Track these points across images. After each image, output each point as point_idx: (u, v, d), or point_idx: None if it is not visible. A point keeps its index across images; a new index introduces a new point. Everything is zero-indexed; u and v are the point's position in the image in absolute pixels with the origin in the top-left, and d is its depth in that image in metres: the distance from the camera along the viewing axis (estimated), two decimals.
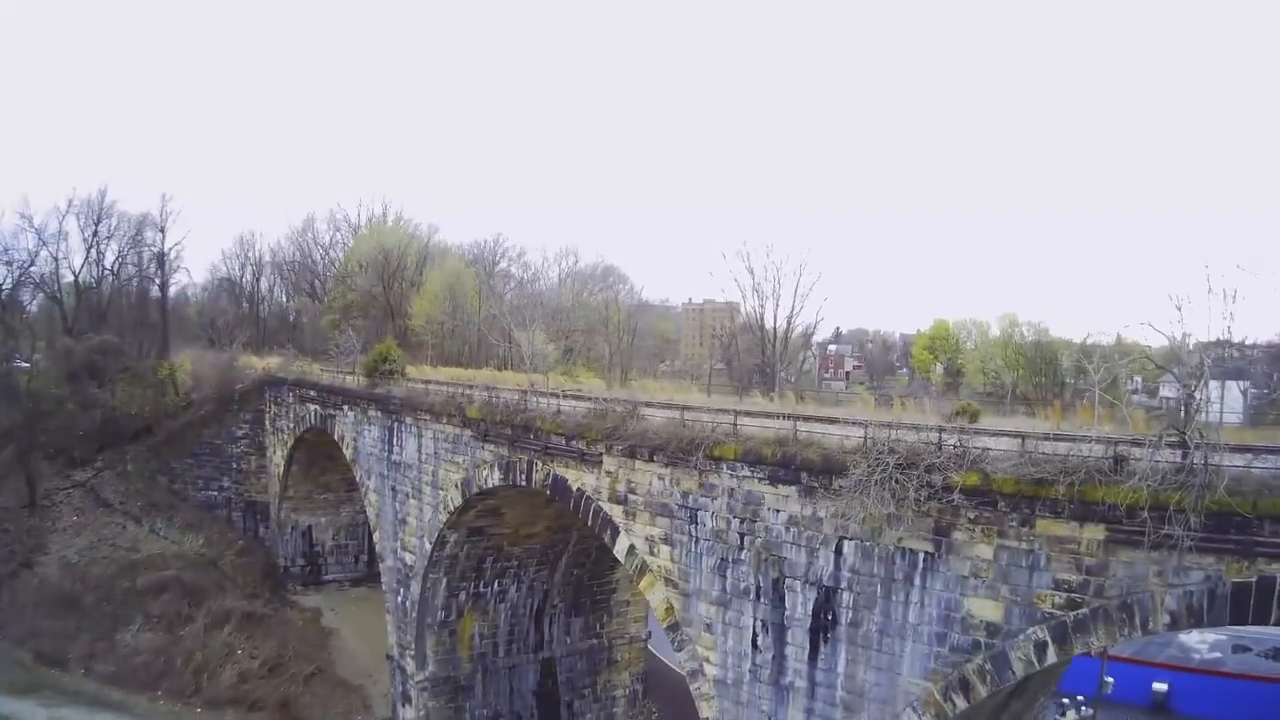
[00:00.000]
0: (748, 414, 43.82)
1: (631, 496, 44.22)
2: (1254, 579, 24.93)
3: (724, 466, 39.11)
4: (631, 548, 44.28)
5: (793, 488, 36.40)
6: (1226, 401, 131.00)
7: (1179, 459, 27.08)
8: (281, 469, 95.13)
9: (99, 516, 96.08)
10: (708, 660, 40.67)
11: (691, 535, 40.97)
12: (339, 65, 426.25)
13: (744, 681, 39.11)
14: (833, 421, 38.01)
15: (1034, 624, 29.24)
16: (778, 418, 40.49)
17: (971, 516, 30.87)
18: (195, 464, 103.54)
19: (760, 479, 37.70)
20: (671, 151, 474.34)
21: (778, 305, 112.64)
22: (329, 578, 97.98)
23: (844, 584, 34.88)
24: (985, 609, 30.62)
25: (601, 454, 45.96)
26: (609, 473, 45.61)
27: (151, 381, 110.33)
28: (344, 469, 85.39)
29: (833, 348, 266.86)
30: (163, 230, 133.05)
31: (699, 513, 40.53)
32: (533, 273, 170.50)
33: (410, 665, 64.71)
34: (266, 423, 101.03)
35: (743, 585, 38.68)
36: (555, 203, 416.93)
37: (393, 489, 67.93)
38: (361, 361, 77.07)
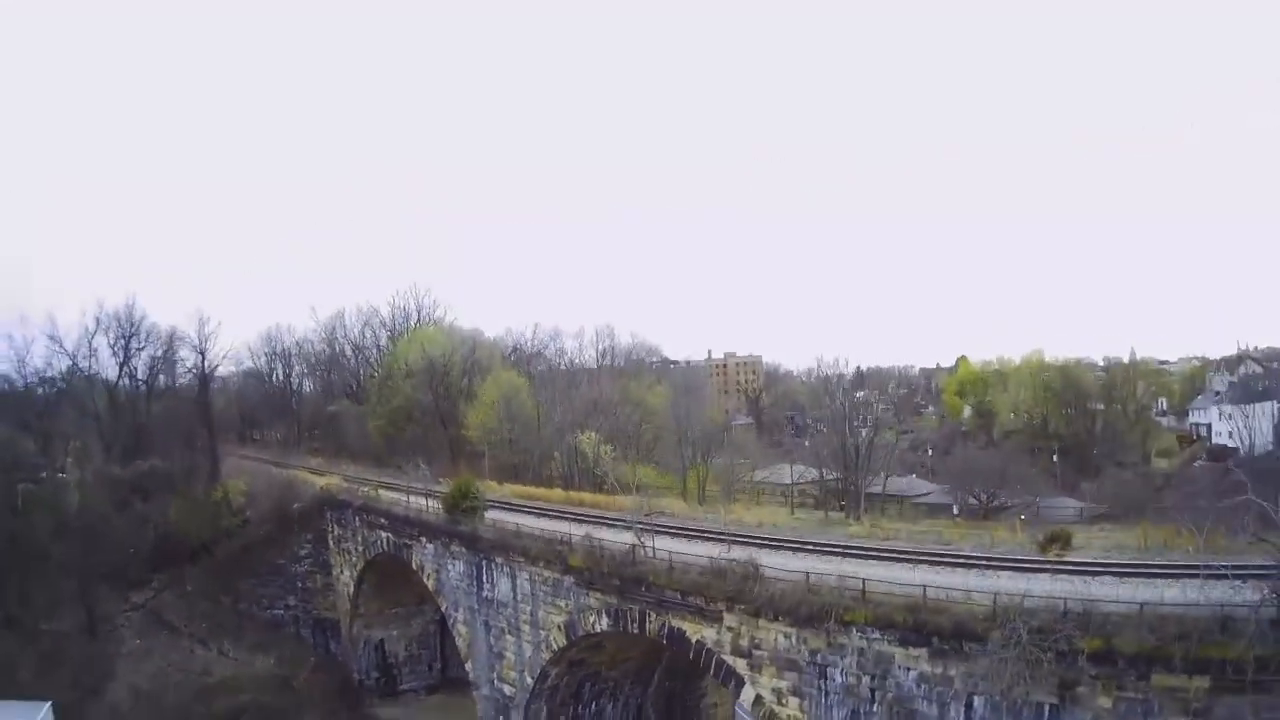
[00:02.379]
0: (872, 554, 47.35)
1: (756, 651, 46.63)
2: None
3: (854, 629, 41.80)
4: (758, 698, 46.65)
5: (923, 649, 39.27)
6: (1258, 431, 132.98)
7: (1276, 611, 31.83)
8: (352, 589, 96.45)
9: (164, 640, 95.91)
10: None
11: (821, 689, 43.57)
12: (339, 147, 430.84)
13: None
14: (965, 593, 40.48)
15: None
16: (901, 562, 42.75)
17: (1093, 674, 34.24)
18: (259, 583, 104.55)
19: (891, 641, 40.45)
20: (665, 199, 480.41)
21: (862, 427, 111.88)
22: (405, 687, 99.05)
23: None
24: None
25: (722, 611, 48.37)
26: (730, 629, 48.01)
27: (206, 504, 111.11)
28: (416, 585, 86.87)
29: (860, 394, 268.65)
30: (202, 353, 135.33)
31: (828, 669, 43.12)
32: (568, 358, 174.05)
33: None
34: (330, 542, 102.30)
35: None
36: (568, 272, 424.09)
37: (485, 623, 70.10)
38: (441, 495, 78.34)
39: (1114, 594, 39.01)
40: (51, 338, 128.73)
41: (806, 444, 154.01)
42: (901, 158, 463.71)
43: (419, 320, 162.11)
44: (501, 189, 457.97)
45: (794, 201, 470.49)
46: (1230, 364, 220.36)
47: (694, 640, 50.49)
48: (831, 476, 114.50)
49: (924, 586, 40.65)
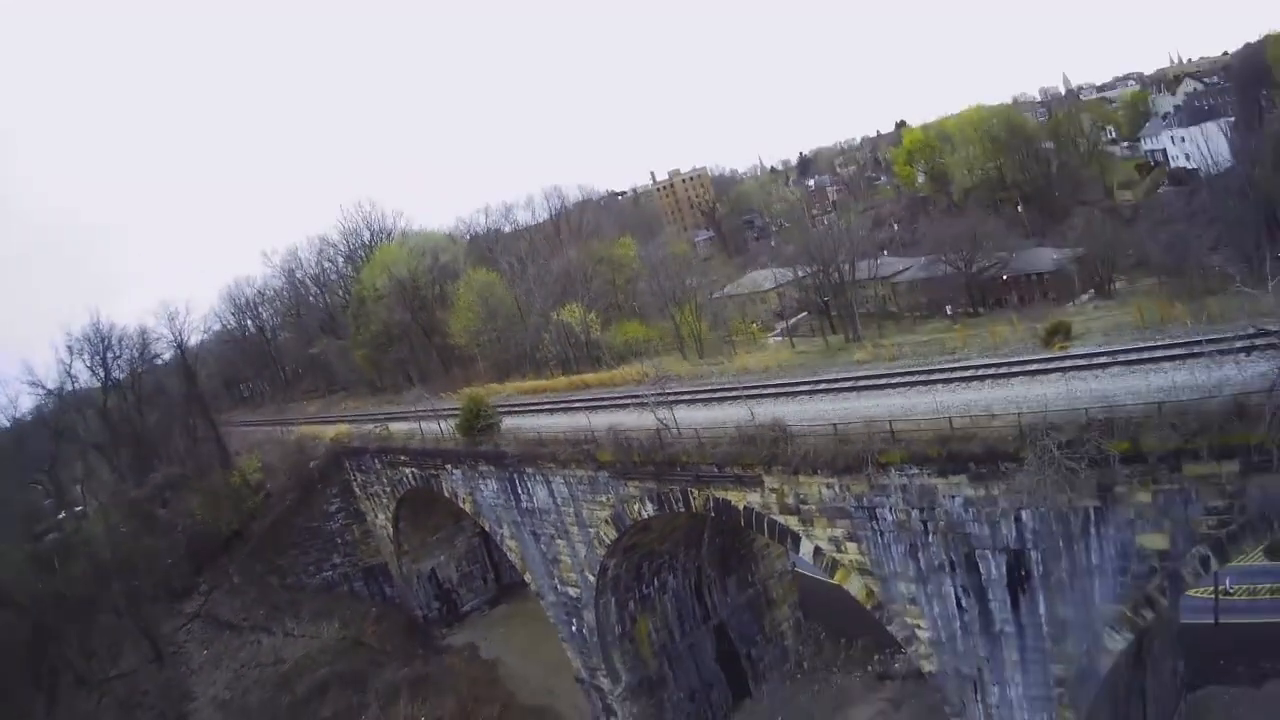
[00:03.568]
0: (886, 383, 49.18)
1: (804, 506, 48.28)
2: None
3: (892, 469, 43.44)
4: (818, 549, 48.53)
5: (963, 475, 40.94)
6: (1211, 149, 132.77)
7: None
8: (391, 530, 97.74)
9: (228, 641, 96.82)
10: (919, 627, 45.80)
11: (875, 530, 45.52)
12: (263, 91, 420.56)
13: (956, 637, 44.53)
14: (988, 412, 42.06)
15: (1196, 544, 35.03)
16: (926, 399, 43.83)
17: (1127, 473, 36.01)
18: (300, 552, 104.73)
19: (930, 474, 42.11)
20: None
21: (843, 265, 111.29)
22: (467, 608, 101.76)
23: (1029, 545, 39.94)
24: (1154, 540, 36.18)
25: (761, 475, 49.78)
26: (773, 490, 49.50)
27: (226, 492, 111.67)
28: (448, 507, 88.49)
29: (811, 182, 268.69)
30: (181, 348, 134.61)
31: (877, 509, 44.97)
32: (528, 235, 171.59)
33: (605, 684, 69.77)
34: (356, 490, 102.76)
35: (936, 562, 43.53)
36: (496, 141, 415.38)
37: (533, 533, 71.53)
38: (454, 416, 78.28)
39: (1128, 386, 40.37)
40: (32, 383, 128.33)
41: (773, 244, 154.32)
42: None
43: (372, 238, 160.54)
44: (429, 77, 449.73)
45: None
46: (1169, 84, 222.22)
47: (741, 507, 51.82)
48: (805, 273, 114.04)
49: (949, 417, 41.81)
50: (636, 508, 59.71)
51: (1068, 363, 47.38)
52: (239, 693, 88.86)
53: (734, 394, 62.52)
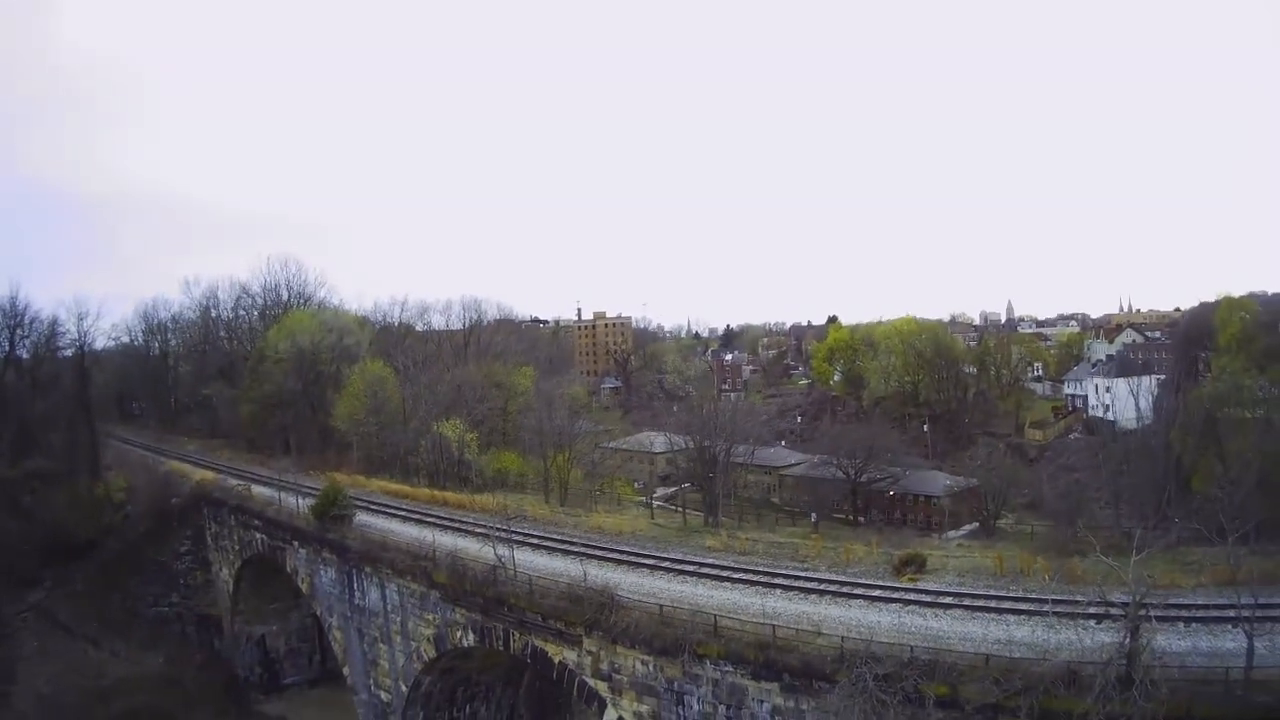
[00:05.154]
0: (727, 577, 45.57)
1: (616, 675, 45.65)
2: None
3: (707, 661, 40.90)
4: None
5: (775, 684, 38.61)
6: (1125, 407, 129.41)
7: (1126, 669, 30.97)
8: (231, 586, 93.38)
9: (59, 641, 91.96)
10: None
11: (681, 715, 42.69)
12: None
13: None
14: (815, 629, 39.77)
15: None
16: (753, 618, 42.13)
17: (941, 717, 33.68)
18: (144, 580, 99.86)
19: (743, 675, 39.70)
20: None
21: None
22: (287, 681, 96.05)
23: None
24: None
25: (581, 635, 47.17)
26: (590, 652, 46.92)
27: (89, 501, 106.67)
28: (289, 581, 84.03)
29: (729, 356, 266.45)
30: (82, 348, 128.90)
31: (685, 696, 42.30)
32: (435, 339, 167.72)
33: None
34: (209, 539, 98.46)
35: None
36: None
37: (359, 631, 67.91)
38: (310, 506, 74.81)
39: (964, 631, 39.01)
40: None
41: (675, 409, 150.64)
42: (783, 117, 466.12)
43: (289, 298, 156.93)
44: (376, 169, 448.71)
45: (669, 166, 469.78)
46: (1109, 331, 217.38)
47: (556, 661, 49.42)
48: (690, 445, 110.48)
49: (773, 625, 40.00)
50: (459, 634, 56.85)
51: (911, 595, 45.92)
52: (58, 691, 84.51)
53: (577, 550, 60.56)
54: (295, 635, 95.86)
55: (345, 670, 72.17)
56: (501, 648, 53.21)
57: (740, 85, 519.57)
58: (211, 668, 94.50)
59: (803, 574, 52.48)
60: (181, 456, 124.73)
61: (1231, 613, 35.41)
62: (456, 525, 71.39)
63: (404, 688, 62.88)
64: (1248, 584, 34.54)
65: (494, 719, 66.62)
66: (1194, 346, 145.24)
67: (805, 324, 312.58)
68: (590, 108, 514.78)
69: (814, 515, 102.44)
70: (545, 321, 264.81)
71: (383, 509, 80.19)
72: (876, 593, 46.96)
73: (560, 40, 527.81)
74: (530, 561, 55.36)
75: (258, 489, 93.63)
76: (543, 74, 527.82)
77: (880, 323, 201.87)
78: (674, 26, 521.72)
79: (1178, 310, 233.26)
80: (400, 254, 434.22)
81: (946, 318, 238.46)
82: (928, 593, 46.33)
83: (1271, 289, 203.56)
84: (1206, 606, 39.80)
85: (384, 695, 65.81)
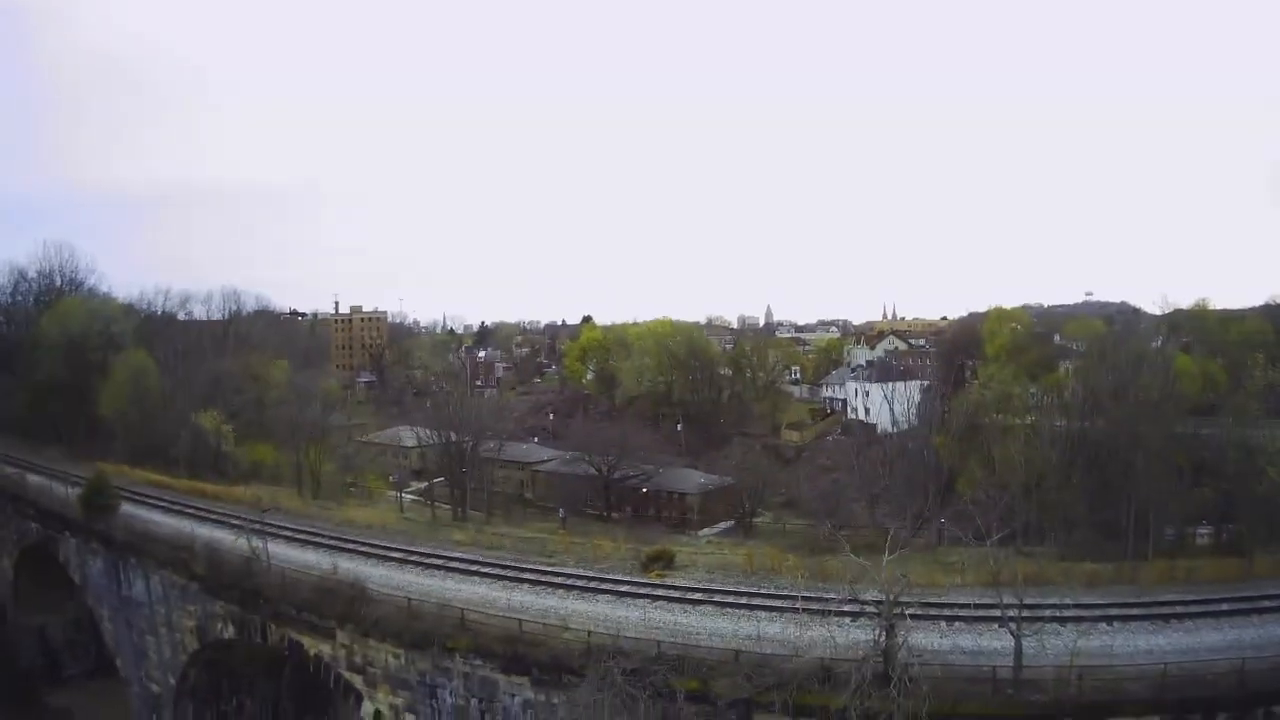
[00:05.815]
0: (475, 571, 43.34)
1: (370, 669, 42.22)
2: None
3: (457, 655, 37.99)
4: (377, 713, 42.42)
5: (525, 677, 35.98)
6: (884, 411, 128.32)
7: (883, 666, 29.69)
8: (11, 574, 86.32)
9: None
10: None
11: (434, 708, 39.44)
12: None
13: None
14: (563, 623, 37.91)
15: None
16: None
17: (694, 711, 31.98)
18: None
19: (493, 668, 36.96)
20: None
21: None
22: (69, 673, 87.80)
23: None
24: None
25: (335, 628, 43.64)
26: (344, 645, 43.37)
27: None
28: (65, 571, 77.73)
29: (482, 353, 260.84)
30: None
31: (438, 690, 39.08)
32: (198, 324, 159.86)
33: None
34: None
35: None
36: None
37: (128, 622, 62.64)
38: (77, 496, 70.79)
39: (714, 627, 37.42)
40: None
41: (428, 404, 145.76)
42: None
43: (62, 284, 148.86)
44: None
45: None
46: (871, 338, 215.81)
47: (312, 654, 45.70)
48: (442, 440, 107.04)
49: (520, 619, 38.02)
50: (219, 626, 52.29)
51: (659, 591, 44.17)
52: None
53: (329, 543, 57.81)
54: (73, 626, 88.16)
55: (118, 662, 66.81)
56: (260, 640, 48.94)
57: (501, 81, 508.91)
58: None
59: (550, 569, 50.40)
60: None
61: (997, 613, 34.58)
62: (215, 516, 67.48)
63: (172, 680, 58.11)
64: (1011, 585, 33.73)
65: (259, 712, 61.64)
66: (960, 354, 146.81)
67: (560, 323, 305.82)
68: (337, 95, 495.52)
69: (561, 511, 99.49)
70: (304, 315, 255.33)
71: (145, 499, 75.46)
72: (624, 588, 45.17)
73: None
74: (284, 554, 51.73)
75: (33, 477, 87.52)
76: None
77: (635, 323, 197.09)
78: None
79: (944, 319, 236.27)
80: (168, 242, 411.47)
81: (704, 320, 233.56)
82: (676, 588, 44.69)
83: (1048, 302, 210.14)
84: (968, 606, 39.06)
85: (154, 687, 60.72)
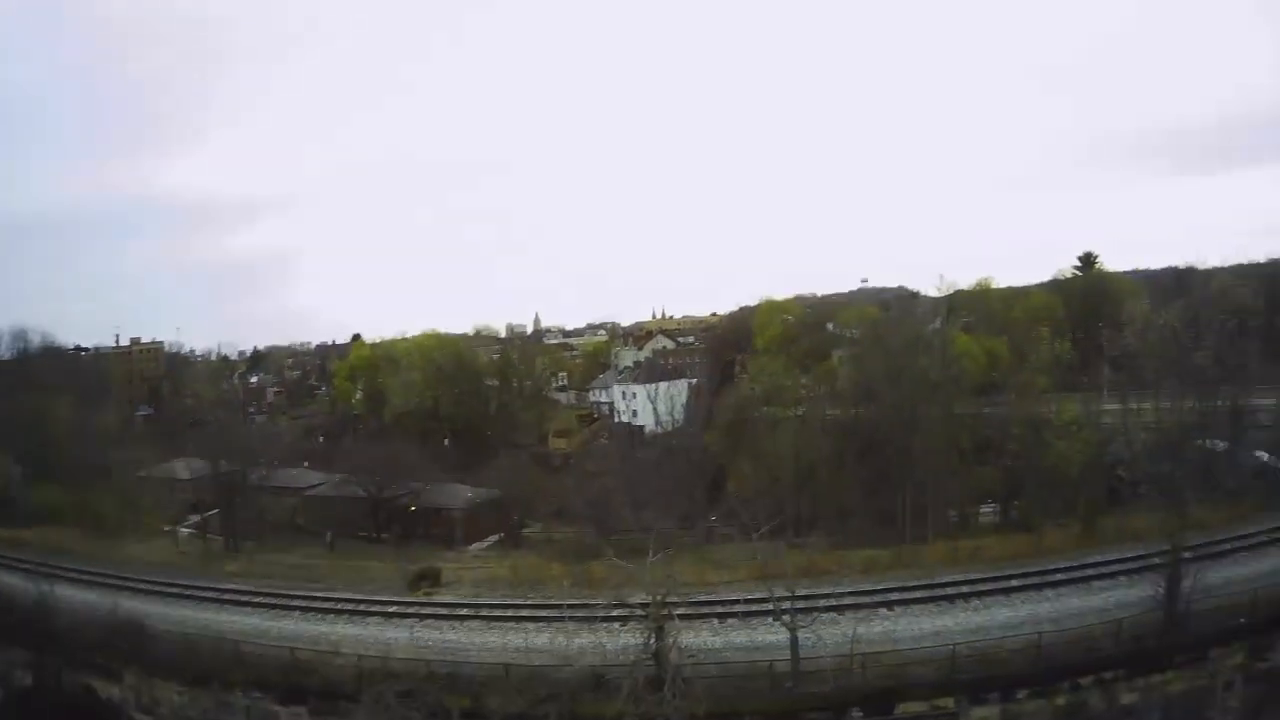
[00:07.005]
0: (247, 601, 42.18)
1: (158, 709, 41.58)
2: None
3: (237, 689, 37.63)
4: None
5: (303, 707, 35.97)
6: (664, 407, 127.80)
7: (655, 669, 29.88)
8: None
9: None
10: None
11: None
12: None
13: None
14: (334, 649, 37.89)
15: None
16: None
17: None
18: None
19: (273, 699, 36.72)
20: None
21: None
22: None
23: None
24: None
25: (122, 670, 42.75)
26: (132, 687, 42.50)
27: None
28: None
29: (255, 378, 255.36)
30: None
31: None
32: None
33: None
34: None
35: None
36: None
37: None
38: None
39: (482, 642, 37.81)
40: None
41: (204, 434, 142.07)
42: None
43: None
44: None
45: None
46: (640, 338, 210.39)
47: (104, 697, 44.28)
48: (216, 472, 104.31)
49: (292, 648, 37.86)
50: (18, 674, 49.58)
51: (427, 610, 44.47)
52: None
53: (112, 582, 56.11)
54: None
55: None
56: (55, 684, 46.94)
57: None
58: None
59: (320, 594, 50.23)
60: None
61: (770, 607, 34.73)
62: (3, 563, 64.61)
63: None
64: (781, 578, 33.79)
65: None
66: (731, 349, 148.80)
67: (331, 343, 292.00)
68: None
69: (328, 535, 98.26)
70: (86, 349, 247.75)
71: None
72: (392, 609, 45.28)
73: None
74: (70, 596, 50.31)
75: None
76: None
77: (403, 338, 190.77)
78: None
79: (715, 315, 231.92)
80: None
81: (472, 331, 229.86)
82: (444, 605, 44.94)
83: (822, 291, 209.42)
84: (740, 602, 39.54)
85: None
